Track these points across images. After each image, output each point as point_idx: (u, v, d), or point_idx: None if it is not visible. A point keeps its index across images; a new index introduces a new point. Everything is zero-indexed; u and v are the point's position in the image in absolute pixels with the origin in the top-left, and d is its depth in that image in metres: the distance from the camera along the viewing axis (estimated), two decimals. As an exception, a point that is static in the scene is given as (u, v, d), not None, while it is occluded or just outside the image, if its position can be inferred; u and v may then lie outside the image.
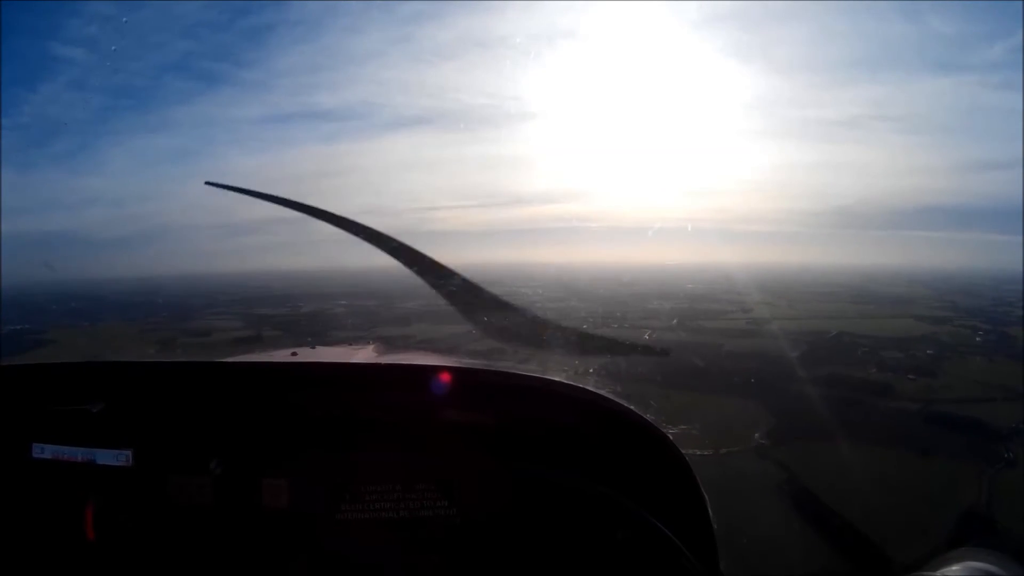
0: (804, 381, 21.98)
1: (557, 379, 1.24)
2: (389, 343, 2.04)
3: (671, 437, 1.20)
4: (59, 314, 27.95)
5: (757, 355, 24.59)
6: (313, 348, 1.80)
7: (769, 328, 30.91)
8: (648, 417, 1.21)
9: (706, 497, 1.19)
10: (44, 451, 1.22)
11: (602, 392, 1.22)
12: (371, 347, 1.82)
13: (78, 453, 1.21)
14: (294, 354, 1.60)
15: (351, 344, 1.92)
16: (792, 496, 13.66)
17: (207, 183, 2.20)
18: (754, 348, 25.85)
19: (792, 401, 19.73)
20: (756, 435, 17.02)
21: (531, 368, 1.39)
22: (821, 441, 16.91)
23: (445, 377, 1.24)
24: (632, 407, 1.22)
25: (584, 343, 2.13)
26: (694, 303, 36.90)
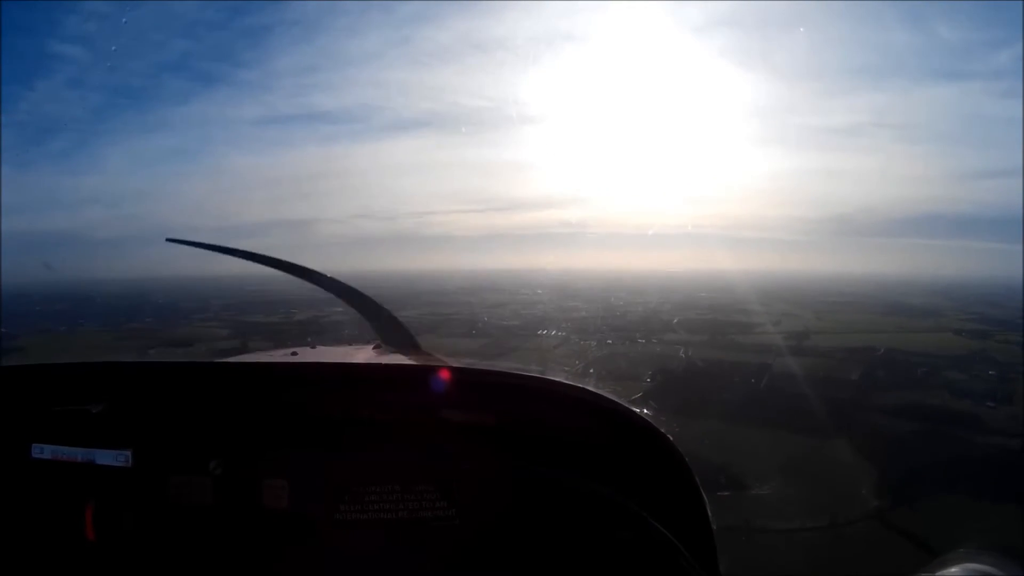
0: (880, 411, 19.34)
1: (558, 379, 1.24)
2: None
3: (671, 437, 1.19)
4: (40, 317, 26.52)
5: (813, 378, 21.58)
6: (313, 348, 1.80)
7: (810, 344, 28.22)
8: (648, 417, 1.21)
9: (705, 498, 1.17)
10: (44, 451, 1.22)
11: (603, 392, 1.23)
12: (371, 347, 1.84)
13: (78, 453, 1.21)
14: (294, 354, 1.60)
15: (351, 344, 1.91)
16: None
17: (168, 239, 2.17)
18: (805, 369, 22.89)
19: (881, 440, 16.79)
20: (864, 492, 13.51)
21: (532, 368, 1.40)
22: (941, 495, 13.79)
23: (445, 377, 1.23)
24: (632, 408, 1.21)
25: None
26: (717, 314, 34.32)
